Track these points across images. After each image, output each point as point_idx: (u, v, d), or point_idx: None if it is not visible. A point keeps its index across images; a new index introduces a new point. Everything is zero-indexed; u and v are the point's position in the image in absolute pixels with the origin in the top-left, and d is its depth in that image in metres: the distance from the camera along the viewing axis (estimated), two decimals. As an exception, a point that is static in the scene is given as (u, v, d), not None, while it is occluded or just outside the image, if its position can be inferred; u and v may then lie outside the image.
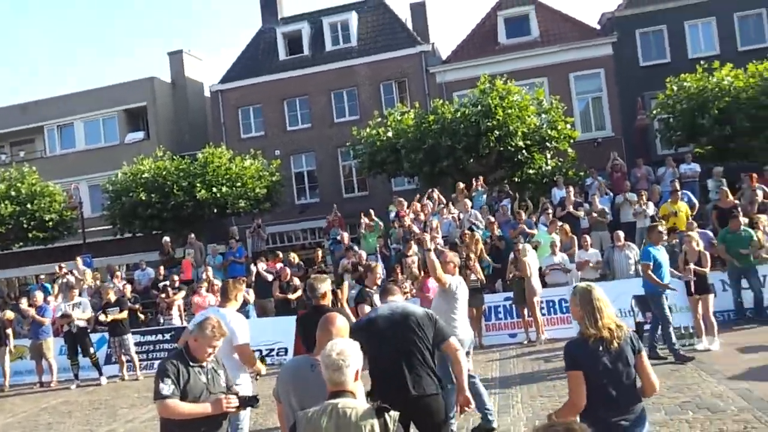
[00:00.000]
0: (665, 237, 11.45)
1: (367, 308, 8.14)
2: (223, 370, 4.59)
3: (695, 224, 13.29)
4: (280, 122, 28.31)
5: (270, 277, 15.60)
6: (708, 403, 7.53)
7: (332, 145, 27.22)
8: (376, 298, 7.91)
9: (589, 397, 3.86)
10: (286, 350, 13.26)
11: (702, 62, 18.93)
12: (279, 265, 16.16)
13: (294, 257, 16.48)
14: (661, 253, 9.85)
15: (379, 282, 8.72)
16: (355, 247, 16.27)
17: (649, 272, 9.69)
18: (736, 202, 14.72)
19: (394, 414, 3.08)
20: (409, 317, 4.78)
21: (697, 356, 9.77)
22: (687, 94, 18.00)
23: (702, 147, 18.21)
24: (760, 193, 14.52)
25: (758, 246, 12.02)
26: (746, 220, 12.80)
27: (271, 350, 13.37)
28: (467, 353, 7.34)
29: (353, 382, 3.20)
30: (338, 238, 17.58)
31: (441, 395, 4.60)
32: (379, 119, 20.67)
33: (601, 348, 3.86)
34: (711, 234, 13.29)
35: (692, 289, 10.42)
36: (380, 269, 9.23)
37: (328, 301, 5.96)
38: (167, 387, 4.17)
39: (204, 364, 4.41)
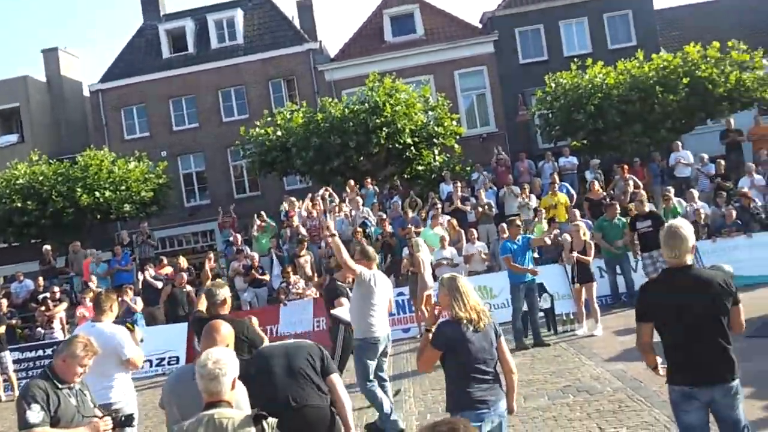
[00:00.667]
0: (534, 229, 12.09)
1: (345, 301, 8.06)
2: (89, 390, 4.39)
3: (578, 213, 13.97)
4: (165, 122, 27.38)
5: (159, 284, 15.12)
6: (587, 386, 7.99)
7: (221, 144, 26.62)
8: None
9: (461, 373, 4.27)
10: (178, 359, 12.92)
11: (576, 60, 19.92)
12: (168, 270, 15.70)
13: (183, 261, 16.03)
14: (519, 246, 10.42)
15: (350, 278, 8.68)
16: (247, 249, 16.04)
17: (512, 263, 10.35)
18: (610, 192, 15.66)
19: (272, 421, 3.08)
20: (301, 345, 4.63)
21: (578, 341, 10.34)
22: (563, 91, 18.90)
23: (578, 141, 19.19)
24: (631, 183, 15.50)
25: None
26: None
27: (162, 359, 12.99)
28: (385, 352, 7.38)
29: (230, 392, 3.18)
30: (230, 239, 17.29)
31: (326, 408, 4.41)
32: (269, 118, 20.44)
33: (471, 328, 4.26)
34: (590, 223, 14.05)
35: (575, 278, 11.00)
36: None
37: (227, 309, 5.83)
38: (35, 414, 3.87)
39: (72, 385, 4.18)
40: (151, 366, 12.68)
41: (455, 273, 4.82)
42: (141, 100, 27.32)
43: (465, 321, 4.25)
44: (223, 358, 3.19)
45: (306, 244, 14.71)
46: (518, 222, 10.96)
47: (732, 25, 24.46)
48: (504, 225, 13.74)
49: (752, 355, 7.09)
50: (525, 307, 10.90)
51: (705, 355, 4.16)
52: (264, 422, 3.04)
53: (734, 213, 13.52)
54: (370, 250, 7.47)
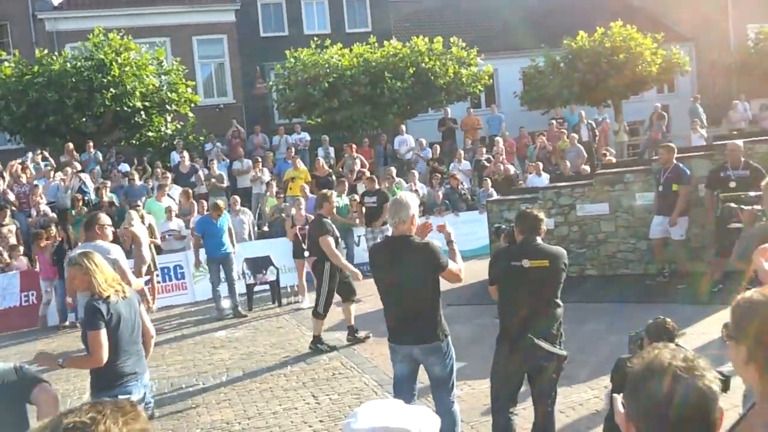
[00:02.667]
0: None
1: (331, 240, 7.99)
2: None
3: (307, 188, 14.33)
4: None
5: None
6: (305, 356, 8.26)
7: None
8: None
9: (115, 346, 4.11)
10: None
11: (315, 39, 20.32)
12: None
13: None
14: (215, 225, 10.80)
15: (334, 210, 8.83)
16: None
17: (198, 245, 10.93)
18: (339, 170, 16.32)
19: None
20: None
21: (301, 313, 10.62)
22: (302, 68, 19.17)
23: (313, 118, 19.65)
24: (358, 162, 16.28)
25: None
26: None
27: None
28: None
29: None
30: None
31: None
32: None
33: (120, 300, 4.18)
34: (318, 199, 14.45)
35: (300, 252, 11.24)
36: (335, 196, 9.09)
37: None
38: None
39: None
40: None
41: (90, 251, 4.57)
42: None
43: (112, 296, 4.14)
44: None
45: (9, 211, 13.08)
46: (220, 203, 11.22)
47: (455, 23, 26.82)
48: (235, 197, 13.66)
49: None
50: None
51: (404, 318, 4.62)
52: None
53: (441, 194, 14.93)
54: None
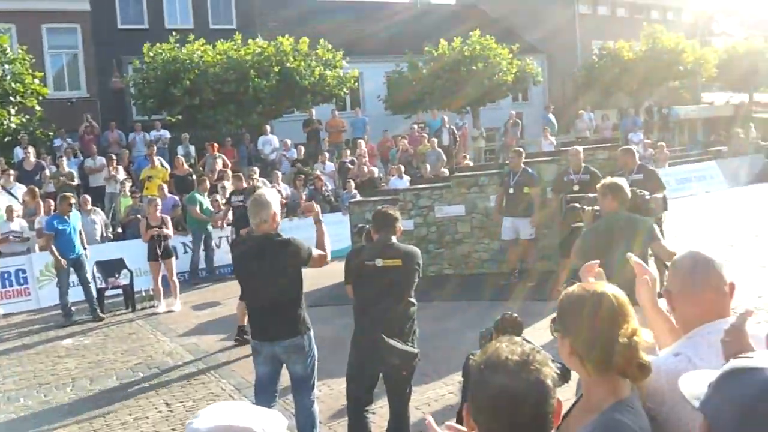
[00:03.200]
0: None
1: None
2: None
3: (165, 188, 13.80)
4: None
5: None
6: (159, 362, 7.93)
7: None
8: None
9: None
10: None
11: (175, 34, 19.60)
12: None
13: None
14: (68, 223, 10.25)
15: None
16: None
17: (51, 245, 10.14)
18: (199, 169, 15.86)
19: None
20: None
21: (156, 318, 10.21)
22: (162, 63, 18.42)
23: (173, 116, 18.94)
24: (220, 161, 15.89)
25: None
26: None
27: None
28: None
29: None
30: None
31: None
32: None
33: None
34: (177, 198, 13.96)
35: (155, 254, 10.79)
36: None
37: None
38: None
39: None
40: None
41: None
42: None
43: None
44: None
45: None
46: (71, 198, 10.60)
47: (322, 25, 26.85)
48: (86, 197, 12.92)
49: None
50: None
51: (267, 316, 4.56)
52: None
53: (305, 195, 14.90)
54: None
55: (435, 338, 7.08)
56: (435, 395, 6.12)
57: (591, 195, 6.70)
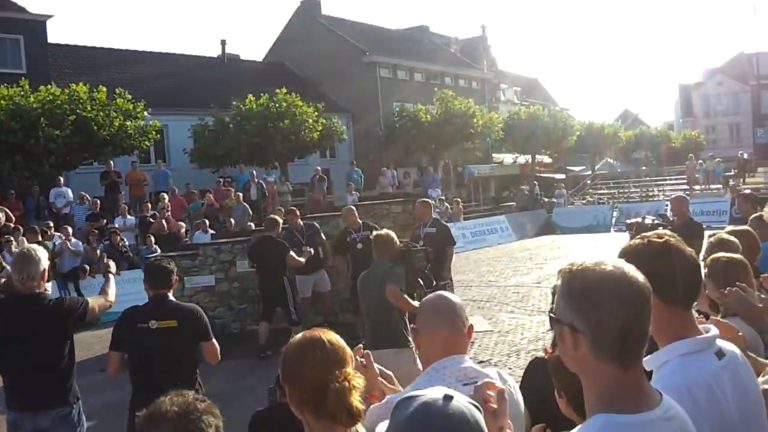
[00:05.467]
0: None
1: None
2: None
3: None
4: None
5: None
6: None
7: None
8: None
9: None
10: None
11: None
12: None
13: None
14: None
15: None
16: None
17: None
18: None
19: None
20: None
21: None
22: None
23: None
24: (2, 215, 14.60)
25: None
26: None
27: None
28: None
29: None
30: None
31: None
32: None
33: None
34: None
35: None
36: None
37: None
38: None
39: None
40: None
41: None
42: None
43: None
44: None
45: None
46: None
47: (121, 74, 25.94)
48: None
49: (105, 389, 7.26)
50: None
51: (29, 381, 4.15)
52: None
53: (99, 251, 14.14)
54: None
55: (230, 395, 6.98)
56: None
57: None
